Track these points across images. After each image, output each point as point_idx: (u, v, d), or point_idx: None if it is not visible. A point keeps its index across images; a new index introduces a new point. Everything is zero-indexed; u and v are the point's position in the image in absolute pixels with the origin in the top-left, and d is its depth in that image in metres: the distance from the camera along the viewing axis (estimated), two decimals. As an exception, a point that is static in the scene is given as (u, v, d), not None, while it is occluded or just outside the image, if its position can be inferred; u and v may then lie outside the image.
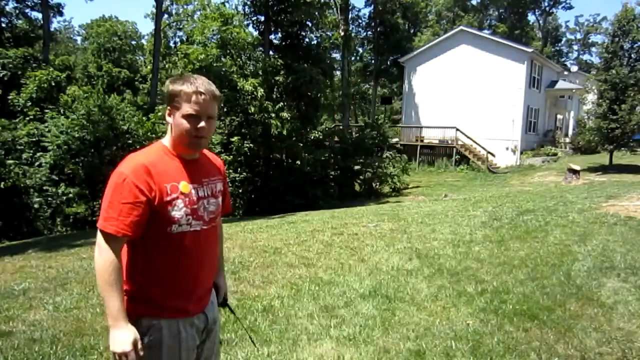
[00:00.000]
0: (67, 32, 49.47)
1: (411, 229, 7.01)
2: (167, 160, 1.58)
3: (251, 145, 15.88)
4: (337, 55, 27.82)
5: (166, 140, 1.63)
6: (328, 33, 25.24)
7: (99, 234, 1.51)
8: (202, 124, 1.56)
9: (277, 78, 17.16)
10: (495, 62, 23.83)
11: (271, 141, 16.50)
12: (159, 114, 15.24)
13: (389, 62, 34.80)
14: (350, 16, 28.25)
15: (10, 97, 16.25)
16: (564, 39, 55.11)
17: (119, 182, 1.48)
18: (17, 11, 23.76)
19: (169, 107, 1.59)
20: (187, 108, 1.54)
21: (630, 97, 18.23)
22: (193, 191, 1.60)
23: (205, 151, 1.76)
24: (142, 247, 1.56)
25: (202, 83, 1.56)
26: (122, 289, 1.49)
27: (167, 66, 31.41)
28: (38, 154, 13.31)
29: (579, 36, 55.30)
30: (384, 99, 36.35)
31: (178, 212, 1.55)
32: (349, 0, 25.13)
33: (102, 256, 1.48)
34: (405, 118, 27.82)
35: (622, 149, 19.96)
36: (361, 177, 19.51)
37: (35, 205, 12.90)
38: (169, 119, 1.60)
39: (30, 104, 15.81)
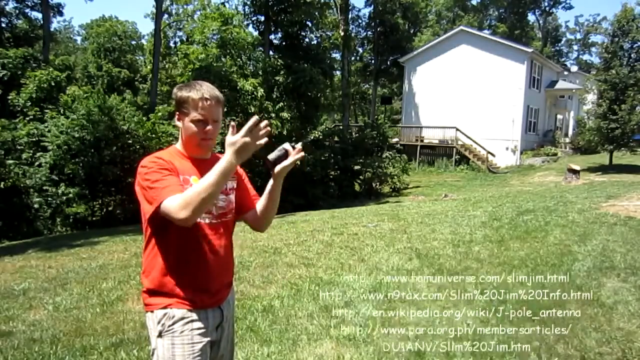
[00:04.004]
0: (67, 32, 49.40)
1: (411, 229, 7.00)
2: (179, 159, 1.71)
3: (251, 145, 15.85)
4: (337, 55, 27.79)
5: (178, 144, 1.77)
6: (328, 33, 25.23)
7: (163, 208, 1.50)
8: (209, 127, 1.68)
9: (277, 78, 17.16)
10: (495, 62, 23.82)
11: (271, 141, 16.47)
12: (159, 114, 15.20)
13: (389, 62, 34.77)
14: (350, 16, 28.20)
15: (10, 97, 16.21)
16: (564, 39, 55.10)
17: (151, 165, 1.59)
18: (17, 11, 23.76)
19: (177, 113, 1.71)
20: (195, 113, 1.65)
21: (630, 97, 18.22)
22: None
23: (219, 154, 1.86)
24: (155, 240, 1.67)
25: (207, 89, 1.67)
26: (199, 181, 1.53)
27: (167, 66, 31.40)
28: (38, 154, 13.25)
29: (579, 36, 55.30)
30: (384, 99, 36.32)
31: None
32: (349, 0, 25.11)
33: (176, 201, 1.48)
34: (405, 118, 27.82)
35: (622, 149, 19.96)
36: (361, 177, 19.51)
37: (35, 205, 12.85)
38: (178, 123, 1.72)
39: (30, 104, 15.76)
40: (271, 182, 1.78)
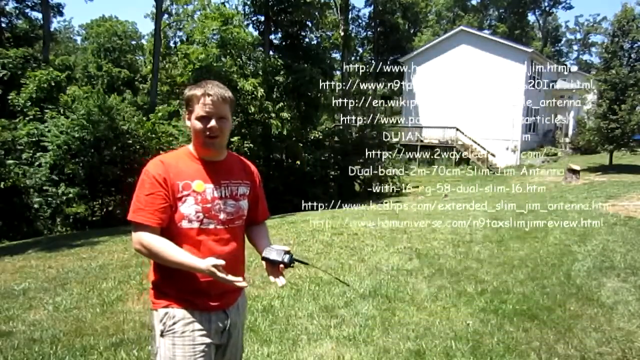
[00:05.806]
0: (67, 32, 49.40)
1: (411, 229, 7.00)
2: (186, 161, 1.70)
3: (251, 145, 15.86)
4: (337, 55, 27.79)
5: (191, 145, 1.75)
6: (328, 33, 25.25)
7: (133, 228, 1.63)
8: (212, 123, 1.65)
9: (277, 78, 17.15)
10: (495, 62, 23.82)
11: (271, 141, 16.49)
12: (159, 114, 15.22)
13: (389, 62, 34.82)
14: (350, 16, 28.28)
15: (10, 97, 16.20)
16: (563, 39, 55.13)
17: (143, 177, 1.65)
18: (17, 11, 23.74)
19: (187, 113, 1.72)
20: (198, 110, 1.65)
21: (630, 97, 18.20)
22: (208, 190, 1.67)
23: (240, 157, 1.87)
24: None
25: (212, 87, 1.67)
26: (175, 246, 1.59)
27: (167, 66, 31.39)
28: (38, 154, 13.25)
29: (579, 36, 55.34)
30: (384, 98, 36.32)
31: (187, 208, 1.64)
32: (349, 0, 25.11)
33: (143, 243, 1.59)
34: (405, 118, 27.82)
35: (622, 149, 19.94)
36: (361, 177, 19.51)
37: (35, 205, 12.85)
38: (187, 123, 1.72)
39: (30, 104, 15.74)
40: (261, 253, 1.77)
